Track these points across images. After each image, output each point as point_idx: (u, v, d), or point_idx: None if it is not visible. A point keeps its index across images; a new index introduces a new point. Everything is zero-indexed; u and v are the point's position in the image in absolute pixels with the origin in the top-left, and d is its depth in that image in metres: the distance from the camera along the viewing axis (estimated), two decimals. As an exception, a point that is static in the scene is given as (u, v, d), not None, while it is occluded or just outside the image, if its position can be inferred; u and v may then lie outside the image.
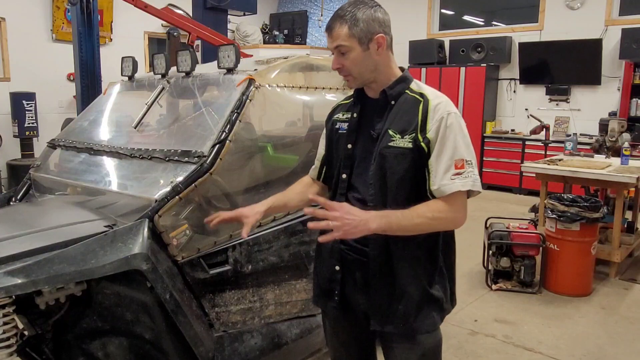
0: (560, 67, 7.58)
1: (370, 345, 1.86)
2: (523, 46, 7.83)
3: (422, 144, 1.53)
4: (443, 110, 1.54)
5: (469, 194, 1.56)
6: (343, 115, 1.73)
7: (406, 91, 1.61)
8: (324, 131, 1.82)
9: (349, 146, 1.66)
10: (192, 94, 2.59)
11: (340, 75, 1.64)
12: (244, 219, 1.69)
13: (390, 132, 1.56)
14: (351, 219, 1.43)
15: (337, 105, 1.81)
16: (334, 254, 1.69)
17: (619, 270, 4.43)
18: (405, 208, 1.51)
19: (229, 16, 6.35)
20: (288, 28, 9.62)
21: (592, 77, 7.34)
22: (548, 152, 5.84)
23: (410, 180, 1.55)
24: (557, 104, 7.85)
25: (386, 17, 1.58)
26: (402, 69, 1.66)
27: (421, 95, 1.59)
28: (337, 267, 1.69)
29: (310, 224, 1.46)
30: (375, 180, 1.58)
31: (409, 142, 1.53)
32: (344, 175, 1.67)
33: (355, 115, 1.68)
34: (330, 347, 1.91)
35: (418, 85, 1.64)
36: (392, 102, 1.61)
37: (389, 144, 1.55)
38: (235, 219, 1.73)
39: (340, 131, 1.71)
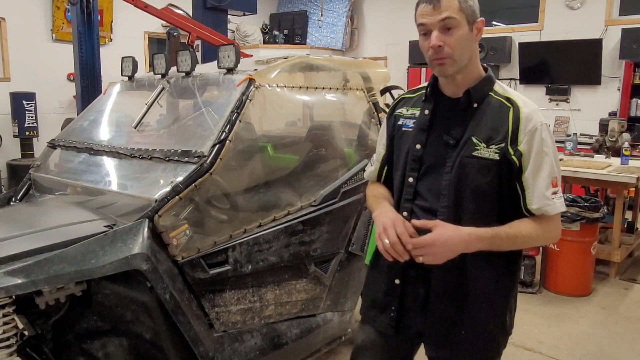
0: (560, 67, 7.57)
1: None
2: (523, 46, 7.82)
3: (514, 157, 1.36)
4: (536, 121, 1.38)
5: None
6: (408, 110, 1.54)
7: (490, 93, 1.43)
8: (383, 128, 1.63)
9: (418, 147, 1.47)
10: (192, 94, 2.58)
11: (434, 57, 1.38)
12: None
13: (474, 139, 1.39)
14: (446, 249, 1.32)
15: (400, 99, 1.62)
16: (395, 266, 1.48)
17: (619, 270, 4.42)
18: (482, 224, 1.37)
19: (229, 16, 6.35)
20: (288, 28, 9.62)
21: (592, 77, 7.33)
22: (548, 152, 5.83)
23: (493, 195, 1.40)
24: (557, 104, 7.84)
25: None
26: (485, 67, 1.47)
27: (508, 100, 1.41)
28: (397, 281, 1.52)
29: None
30: (451, 192, 1.42)
31: (495, 152, 1.37)
32: (411, 179, 1.49)
33: (427, 112, 1.48)
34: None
35: (502, 87, 1.47)
36: (475, 105, 1.42)
37: (473, 153, 1.38)
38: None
39: (404, 128, 1.52)
